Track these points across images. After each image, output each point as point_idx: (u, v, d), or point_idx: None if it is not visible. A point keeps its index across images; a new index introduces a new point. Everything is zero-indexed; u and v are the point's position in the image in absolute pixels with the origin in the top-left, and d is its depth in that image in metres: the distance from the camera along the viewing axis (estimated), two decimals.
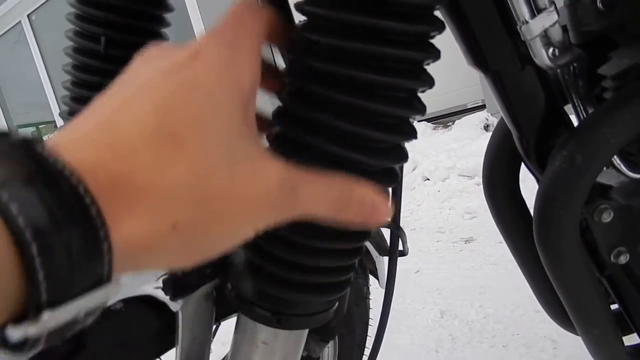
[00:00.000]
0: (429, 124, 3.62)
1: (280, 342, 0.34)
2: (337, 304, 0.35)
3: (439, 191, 2.59)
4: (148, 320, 0.32)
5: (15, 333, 0.18)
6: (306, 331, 0.36)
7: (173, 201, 0.21)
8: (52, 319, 0.18)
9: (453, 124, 3.37)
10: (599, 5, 0.50)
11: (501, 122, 0.56)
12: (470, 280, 1.75)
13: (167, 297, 0.32)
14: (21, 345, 0.18)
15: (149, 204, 0.20)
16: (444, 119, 3.70)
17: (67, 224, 0.18)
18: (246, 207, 0.23)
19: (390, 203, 0.28)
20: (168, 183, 0.21)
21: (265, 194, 0.24)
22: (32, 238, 0.17)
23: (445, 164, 2.73)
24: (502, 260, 1.74)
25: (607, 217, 0.50)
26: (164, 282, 0.32)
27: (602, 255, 0.54)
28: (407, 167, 3.04)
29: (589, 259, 0.56)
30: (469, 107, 3.57)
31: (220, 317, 0.39)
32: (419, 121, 3.72)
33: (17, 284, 0.17)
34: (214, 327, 0.46)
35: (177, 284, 0.33)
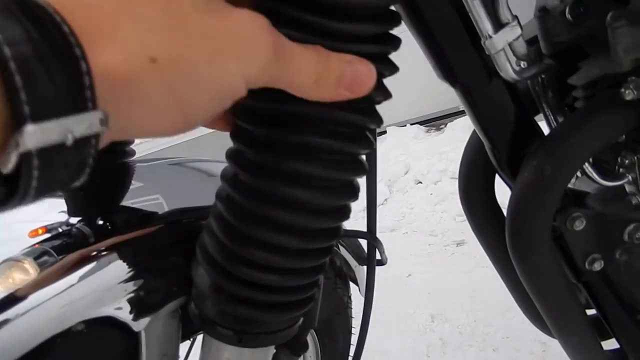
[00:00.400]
0: (421, 127, 3.63)
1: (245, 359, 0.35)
2: (302, 319, 0.36)
3: (431, 194, 2.58)
4: (110, 342, 0.32)
5: (4, 160, 0.18)
6: (272, 348, 0.36)
7: (146, 32, 0.22)
8: (36, 134, 0.18)
9: (445, 126, 3.37)
10: (568, 16, 0.50)
11: (474, 134, 0.56)
12: (461, 283, 1.75)
13: (130, 317, 0.32)
14: (15, 183, 0.18)
15: (122, 34, 0.21)
16: (436, 122, 3.70)
17: (41, 37, 0.19)
18: (226, 47, 0.24)
19: (374, 72, 0.28)
20: (137, 14, 0.22)
21: (243, 36, 0.24)
22: (9, 48, 0.18)
23: (438, 167, 2.72)
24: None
25: (579, 225, 0.51)
26: (128, 301, 0.32)
27: (577, 263, 0.55)
28: (399, 170, 3.05)
29: (565, 266, 0.57)
30: (461, 109, 3.58)
31: (191, 334, 0.40)
32: (411, 124, 3.73)
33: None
34: (190, 342, 0.46)
35: (141, 302, 0.33)
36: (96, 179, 0.44)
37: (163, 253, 0.35)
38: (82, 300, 0.30)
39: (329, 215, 0.31)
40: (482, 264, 1.84)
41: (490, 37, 0.40)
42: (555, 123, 0.51)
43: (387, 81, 0.31)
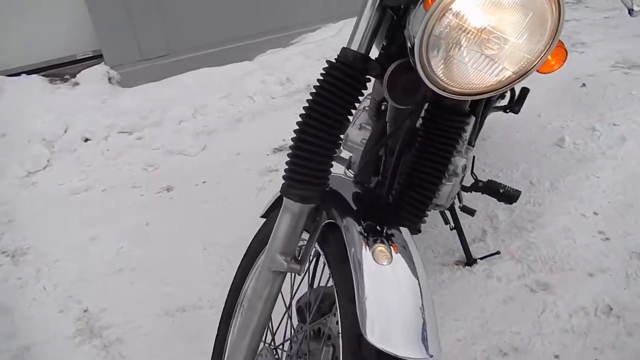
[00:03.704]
0: (43, 77, 3.31)
1: None
2: None
3: (108, 150, 2.66)
4: None
5: None
6: None
7: None
8: None
9: (74, 77, 3.27)
10: None
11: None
12: (180, 223, 2.11)
13: None
14: None
15: None
16: (55, 70, 3.47)
17: None
18: None
19: None
20: None
21: None
22: None
23: (104, 122, 2.77)
24: (213, 199, 2.21)
25: None
26: None
27: None
28: (57, 129, 2.84)
29: None
30: (78, 58, 3.54)
31: None
32: (28, 73, 3.32)
33: None
34: None
35: None
36: None
37: None
38: None
39: None
40: (202, 200, 2.24)
41: None
42: None
43: None
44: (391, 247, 0.75)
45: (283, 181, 0.83)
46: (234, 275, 1.21)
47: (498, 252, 1.70)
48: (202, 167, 2.49)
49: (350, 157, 1.54)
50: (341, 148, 1.64)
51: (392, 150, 1.16)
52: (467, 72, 0.70)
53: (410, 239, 0.80)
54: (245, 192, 2.24)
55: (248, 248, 1.21)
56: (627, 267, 1.62)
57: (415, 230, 0.85)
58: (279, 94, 3.09)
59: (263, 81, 3.14)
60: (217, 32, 3.46)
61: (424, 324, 0.71)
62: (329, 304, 1.02)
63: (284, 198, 0.85)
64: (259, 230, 1.19)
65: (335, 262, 0.84)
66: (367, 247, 0.74)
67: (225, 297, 1.20)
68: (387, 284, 0.73)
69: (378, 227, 0.78)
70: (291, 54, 3.42)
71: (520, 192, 1.47)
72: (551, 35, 0.68)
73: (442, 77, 0.71)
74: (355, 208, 0.84)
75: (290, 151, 0.82)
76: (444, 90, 0.72)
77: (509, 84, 0.72)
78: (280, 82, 3.17)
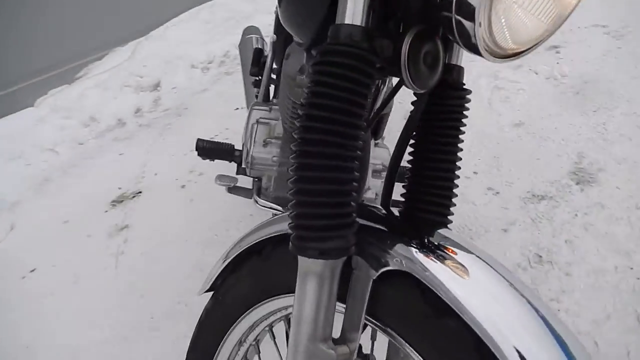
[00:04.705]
0: None
1: None
2: None
3: None
4: None
5: None
6: None
7: None
8: None
9: None
10: None
11: None
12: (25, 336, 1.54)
13: None
14: None
15: None
16: None
17: None
18: None
19: None
20: None
21: None
22: None
23: None
24: (56, 289, 1.65)
25: None
26: None
27: None
28: None
29: None
30: None
31: None
32: None
33: None
34: None
35: None
36: None
37: None
38: None
39: None
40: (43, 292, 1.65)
41: None
42: None
43: None
44: (447, 251, 0.59)
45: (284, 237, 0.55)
46: None
47: None
48: (21, 253, 1.88)
49: (256, 181, 1.25)
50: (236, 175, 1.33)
51: None
52: (523, 22, 0.55)
53: (451, 234, 0.64)
54: (97, 265, 1.75)
55: (194, 341, 0.86)
56: (527, 212, 1.69)
57: (446, 225, 0.67)
58: (87, 138, 2.54)
59: (61, 127, 2.55)
60: None
61: (555, 333, 0.52)
62: None
63: (301, 259, 0.58)
64: (207, 311, 0.85)
65: (405, 321, 0.59)
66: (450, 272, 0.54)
67: None
68: (500, 314, 0.53)
69: (425, 241, 0.60)
70: (85, 89, 2.85)
71: None
72: None
73: (498, 34, 0.53)
74: (392, 234, 0.62)
75: (292, 188, 0.55)
76: (491, 54, 0.55)
77: (549, 35, 0.59)
78: (83, 123, 2.61)
